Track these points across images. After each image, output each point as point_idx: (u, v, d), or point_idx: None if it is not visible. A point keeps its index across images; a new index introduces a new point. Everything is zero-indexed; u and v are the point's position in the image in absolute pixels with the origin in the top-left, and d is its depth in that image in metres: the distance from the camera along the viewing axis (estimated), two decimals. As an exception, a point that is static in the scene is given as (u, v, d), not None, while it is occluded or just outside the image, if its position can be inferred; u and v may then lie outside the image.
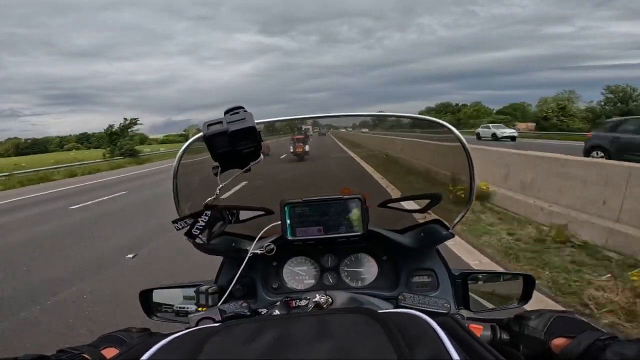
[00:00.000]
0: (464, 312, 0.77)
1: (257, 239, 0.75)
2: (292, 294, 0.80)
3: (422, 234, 0.83)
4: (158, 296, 0.87)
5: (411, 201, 0.88)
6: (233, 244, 0.82)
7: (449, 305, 0.67)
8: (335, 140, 1.88)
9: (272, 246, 0.75)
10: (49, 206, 8.19)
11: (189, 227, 0.66)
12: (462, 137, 0.76)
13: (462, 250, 3.60)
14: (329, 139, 1.77)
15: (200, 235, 0.67)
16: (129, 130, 25.85)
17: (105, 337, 0.57)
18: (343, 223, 0.77)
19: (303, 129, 1.64)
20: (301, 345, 0.35)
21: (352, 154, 1.94)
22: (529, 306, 0.72)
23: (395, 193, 1.13)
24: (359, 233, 0.77)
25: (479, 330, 0.59)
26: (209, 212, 0.66)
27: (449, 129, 0.78)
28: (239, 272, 0.71)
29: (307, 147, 1.67)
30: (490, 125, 30.28)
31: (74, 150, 24.46)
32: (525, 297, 0.80)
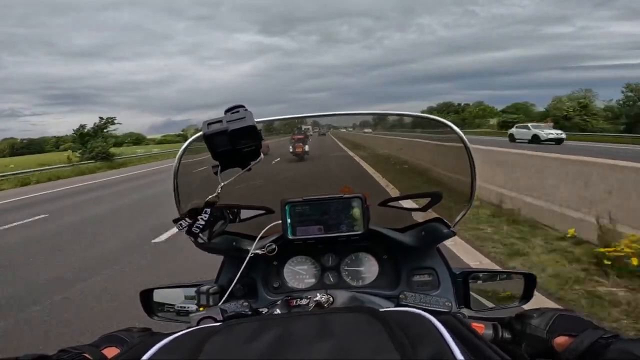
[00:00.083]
0: (465, 311, 0.77)
1: (257, 239, 0.75)
2: (292, 293, 0.80)
3: (423, 232, 0.83)
4: (159, 296, 0.87)
5: (412, 200, 0.88)
6: (234, 243, 0.82)
7: (450, 304, 0.67)
8: (335, 140, 1.88)
9: (274, 246, 0.75)
10: None
11: (189, 225, 0.66)
12: (463, 135, 0.76)
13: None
14: (328, 139, 1.76)
15: (201, 235, 0.67)
16: (104, 130, 23.09)
17: (106, 336, 0.57)
18: (344, 222, 0.77)
19: (303, 128, 1.63)
20: (302, 345, 0.35)
21: (352, 154, 1.94)
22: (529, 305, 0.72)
23: (394, 193, 1.13)
24: (359, 232, 0.77)
25: (481, 329, 0.59)
26: (208, 210, 0.66)
27: (451, 128, 0.79)
28: (239, 272, 0.71)
29: (306, 147, 1.66)
30: (530, 125, 24.55)
31: (69, 150, 23.17)
32: (527, 296, 0.80)
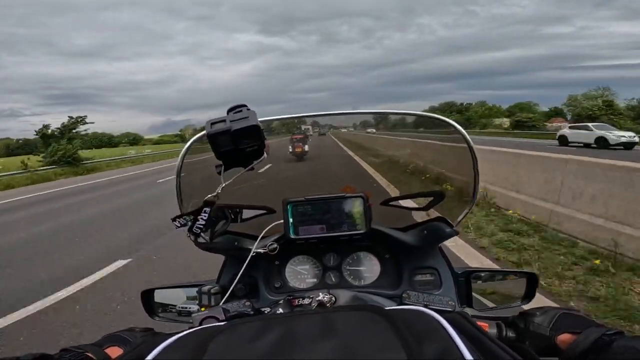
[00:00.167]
0: (468, 311, 0.77)
1: (259, 238, 0.75)
2: (294, 293, 0.80)
3: (425, 231, 0.83)
4: (160, 296, 0.87)
5: (414, 199, 0.88)
6: (235, 243, 0.81)
7: (453, 304, 0.67)
8: (335, 140, 1.87)
9: (276, 245, 0.75)
10: None
11: (189, 224, 0.66)
12: (467, 135, 0.77)
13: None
14: (328, 139, 1.76)
15: (202, 234, 0.67)
16: (73, 131, 19.23)
17: (108, 336, 0.57)
18: (346, 221, 0.77)
19: (302, 128, 1.63)
20: (307, 343, 0.34)
21: (351, 153, 1.93)
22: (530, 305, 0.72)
23: (395, 193, 1.13)
24: (361, 231, 0.77)
25: (485, 327, 0.59)
26: (207, 209, 0.65)
27: (455, 127, 0.79)
28: (241, 271, 0.71)
29: (306, 147, 1.66)
30: (591, 125, 18.50)
31: (31, 155, 19.11)
32: (528, 295, 0.80)
